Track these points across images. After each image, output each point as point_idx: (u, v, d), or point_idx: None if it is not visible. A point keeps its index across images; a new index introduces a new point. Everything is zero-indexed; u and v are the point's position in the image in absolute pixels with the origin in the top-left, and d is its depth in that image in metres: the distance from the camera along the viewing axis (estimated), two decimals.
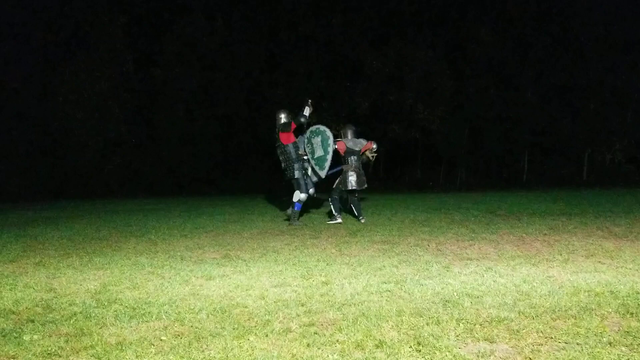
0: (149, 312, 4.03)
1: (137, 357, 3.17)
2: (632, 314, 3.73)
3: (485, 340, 3.33)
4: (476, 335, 3.41)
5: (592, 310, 3.83)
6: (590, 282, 4.64)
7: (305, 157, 9.26)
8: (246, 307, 4.15)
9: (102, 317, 3.94)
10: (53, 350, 3.30)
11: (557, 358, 3.02)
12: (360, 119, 27.33)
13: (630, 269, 5.22)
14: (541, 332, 3.43)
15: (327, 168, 9.09)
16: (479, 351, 3.15)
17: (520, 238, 7.23)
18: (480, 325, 3.58)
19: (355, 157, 9.18)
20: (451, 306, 4.01)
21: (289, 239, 7.65)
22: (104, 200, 17.90)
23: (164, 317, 3.93)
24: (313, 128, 9.29)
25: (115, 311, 4.09)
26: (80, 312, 4.08)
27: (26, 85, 24.74)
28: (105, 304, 4.32)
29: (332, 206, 9.12)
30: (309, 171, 9.31)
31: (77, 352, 3.26)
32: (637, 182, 23.91)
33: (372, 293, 4.47)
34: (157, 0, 27.53)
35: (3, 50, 24.42)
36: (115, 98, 25.36)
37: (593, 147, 27.98)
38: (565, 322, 3.59)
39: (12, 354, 3.25)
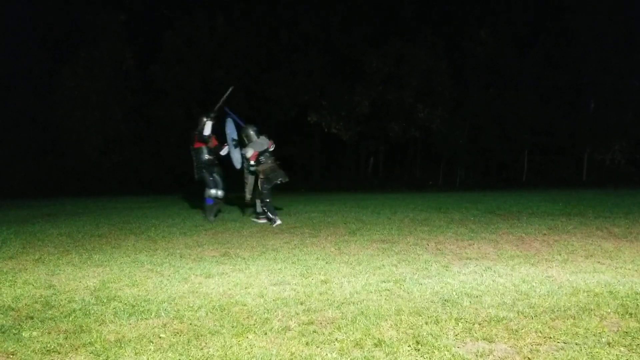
0: (148, 310, 4.03)
1: (136, 354, 3.17)
2: (631, 314, 3.73)
3: (484, 339, 3.33)
4: (475, 334, 3.41)
5: (591, 310, 3.84)
6: (590, 283, 4.64)
7: (216, 163, 9.60)
8: (245, 305, 4.15)
9: (101, 314, 3.94)
10: (52, 346, 3.30)
11: (555, 358, 3.02)
12: (360, 117, 27.37)
13: (630, 269, 5.22)
14: (540, 332, 3.43)
15: (249, 194, 9.38)
16: (478, 351, 3.15)
17: (520, 238, 7.23)
18: (479, 324, 3.58)
19: (267, 155, 9.23)
20: (450, 305, 4.01)
21: (288, 237, 7.65)
22: (103, 198, 17.90)
23: (163, 314, 3.93)
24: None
25: (115, 308, 4.09)
26: (80, 309, 4.08)
27: (26, 83, 24.74)
28: (105, 301, 4.32)
29: (267, 211, 9.10)
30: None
31: (76, 349, 3.26)
32: (636, 183, 23.93)
33: (371, 292, 4.47)
34: None
35: (3, 49, 24.41)
36: (114, 96, 25.35)
37: (593, 148, 27.99)
38: (564, 322, 3.60)
39: (12, 350, 3.25)
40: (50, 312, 4.03)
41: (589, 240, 6.94)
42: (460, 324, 3.59)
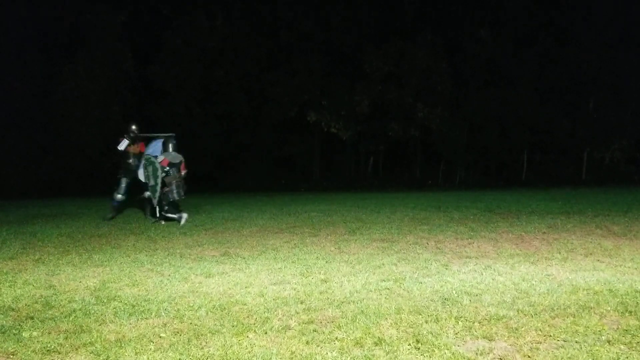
0: (149, 309, 4.03)
1: (136, 354, 3.17)
2: (630, 312, 3.74)
3: (484, 338, 3.34)
4: (475, 333, 3.42)
5: (591, 308, 3.84)
6: (589, 281, 4.65)
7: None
8: (245, 304, 4.16)
9: (102, 314, 3.95)
10: (52, 346, 3.30)
11: (555, 356, 3.03)
12: (360, 117, 27.34)
13: (629, 267, 5.23)
14: (540, 330, 3.44)
15: (157, 196, 9.58)
16: (478, 349, 3.16)
17: (519, 236, 7.24)
18: (479, 323, 3.59)
19: (176, 169, 9.65)
20: (450, 304, 4.02)
21: (288, 236, 7.65)
22: (103, 198, 17.86)
23: (163, 314, 3.93)
24: (147, 156, 9.73)
25: (115, 308, 4.10)
26: (80, 309, 4.08)
27: (26, 83, 24.72)
28: (105, 301, 4.32)
29: (170, 215, 9.46)
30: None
31: (77, 349, 3.27)
32: (635, 182, 23.95)
33: (371, 291, 4.48)
34: None
35: (3, 49, 24.40)
36: (114, 96, 25.32)
37: (592, 147, 28.00)
38: (564, 320, 3.60)
39: (12, 350, 3.26)
40: (50, 312, 4.03)
41: (588, 238, 6.96)
42: (460, 322, 3.60)
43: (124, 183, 10.18)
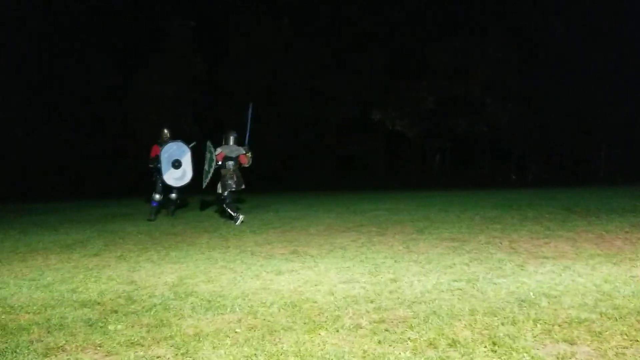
0: (224, 305, 4.17)
1: (213, 348, 3.28)
2: None
3: (565, 341, 3.20)
4: (555, 336, 3.28)
5: None
6: None
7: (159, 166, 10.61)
8: (316, 302, 4.20)
9: (180, 309, 4.11)
10: (136, 340, 3.47)
11: None
12: (425, 114, 26.89)
13: None
14: (625, 334, 3.26)
15: (206, 182, 9.89)
16: (559, 353, 3.03)
17: (600, 236, 6.87)
18: (559, 326, 3.45)
19: (232, 162, 9.74)
20: (527, 306, 3.88)
21: (355, 235, 7.66)
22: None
23: (237, 310, 4.05)
24: (209, 145, 9.96)
25: (192, 303, 4.26)
26: (160, 304, 4.27)
27: (102, 89, 26.18)
28: (183, 296, 4.50)
29: (229, 210, 9.61)
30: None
31: (158, 342, 3.42)
32: None
33: (443, 291, 4.40)
34: (224, 2, 28.28)
35: (78, 57, 25.95)
36: (186, 99, 26.31)
37: None
38: None
39: (99, 342, 3.45)
40: (132, 307, 4.24)
41: None
42: (538, 325, 3.47)
43: (160, 182, 10.65)
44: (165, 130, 11.05)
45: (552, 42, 25.92)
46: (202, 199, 12.96)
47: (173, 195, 10.94)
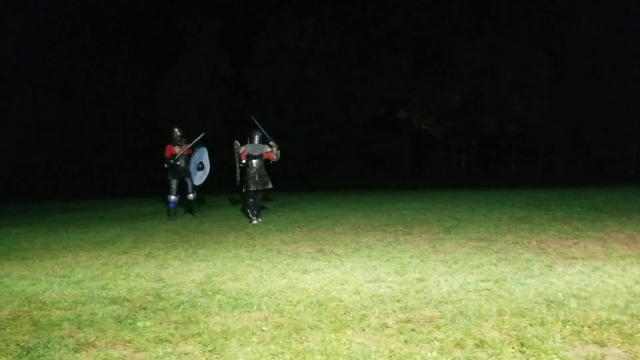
0: (250, 303, 4.21)
1: (240, 345, 3.32)
2: None
3: (594, 343, 3.15)
4: (584, 338, 3.23)
5: None
6: None
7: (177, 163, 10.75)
8: (342, 301, 4.21)
9: (207, 307, 4.17)
10: (164, 336, 3.53)
11: None
12: (452, 113, 26.61)
13: None
14: None
15: (237, 179, 9.75)
16: (589, 355, 2.99)
17: (631, 237, 6.71)
18: (589, 327, 3.39)
19: (256, 161, 9.74)
20: (556, 307, 3.82)
21: (381, 234, 7.64)
22: (204, 195, 18.81)
23: (264, 308, 4.08)
24: (235, 143, 9.92)
25: (219, 301, 4.31)
26: (187, 301, 4.33)
27: (131, 89, 26.67)
28: (210, 294, 4.56)
29: (248, 209, 9.75)
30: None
31: (186, 339, 3.47)
32: None
33: (470, 291, 4.36)
34: (250, 2, 28.49)
35: (109, 58, 26.48)
36: (213, 99, 26.60)
37: None
38: None
39: (128, 338, 3.52)
40: (161, 304, 4.31)
41: None
42: (567, 326, 3.42)
43: (174, 184, 10.76)
44: (176, 130, 11.01)
45: (580, 40, 25.35)
46: (230, 197, 13.09)
47: (190, 196, 11.02)
